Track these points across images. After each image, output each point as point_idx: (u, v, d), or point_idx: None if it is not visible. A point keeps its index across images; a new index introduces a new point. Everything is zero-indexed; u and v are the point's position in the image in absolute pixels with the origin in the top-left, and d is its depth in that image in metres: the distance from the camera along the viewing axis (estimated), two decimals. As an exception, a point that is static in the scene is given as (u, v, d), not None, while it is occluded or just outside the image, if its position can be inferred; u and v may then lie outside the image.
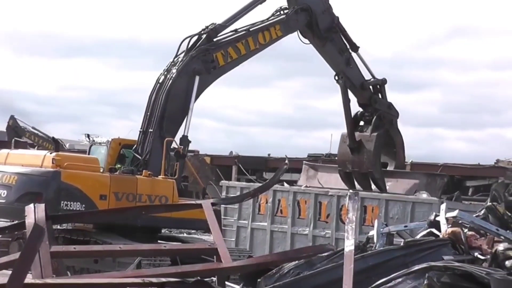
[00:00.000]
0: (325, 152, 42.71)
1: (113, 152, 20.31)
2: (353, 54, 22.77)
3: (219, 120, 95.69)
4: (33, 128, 27.00)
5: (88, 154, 20.91)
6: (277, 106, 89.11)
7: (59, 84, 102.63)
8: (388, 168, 23.12)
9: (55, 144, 20.03)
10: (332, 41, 22.23)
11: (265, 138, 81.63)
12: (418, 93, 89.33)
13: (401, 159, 23.47)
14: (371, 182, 22.44)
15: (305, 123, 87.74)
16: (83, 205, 17.96)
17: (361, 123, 22.93)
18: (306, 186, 22.20)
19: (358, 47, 22.78)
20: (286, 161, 23.30)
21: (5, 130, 56.15)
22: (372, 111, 22.65)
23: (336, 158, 23.68)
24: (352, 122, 22.59)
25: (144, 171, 19.23)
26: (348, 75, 22.35)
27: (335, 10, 22.48)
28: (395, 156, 23.26)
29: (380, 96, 23.00)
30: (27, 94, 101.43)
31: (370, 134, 22.34)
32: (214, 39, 20.74)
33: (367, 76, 23.02)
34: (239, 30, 21.14)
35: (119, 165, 19.98)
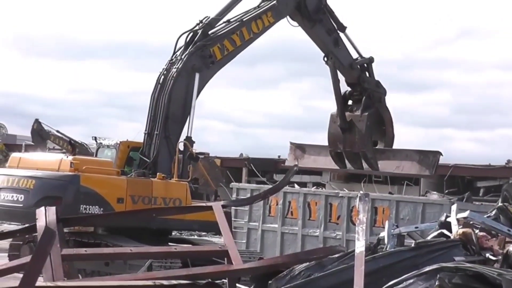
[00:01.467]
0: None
1: (122, 155, 20.35)
2: (341, 35, 22.82)
3: (228, 122, 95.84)
4: (57, 131, 27.10)
5: (95, 156, 20.97)
6: (286, 108, 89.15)
7: (68, 86, 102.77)
8: (378, 146, 23.14)
9: (72, 148, 20.12)
10: (321, 22, 22.33)
11: (274, 139, 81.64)
12: (427, 94, 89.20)
13: (391, 135, 23.42)
14: (363, 162, 22.48)
15: (314, 124, 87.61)
16: (101, 209, 18.03)
17: (350, 102, 23.08)
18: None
19: (345, 27, 22.88)
20: (296, 163, 23.27)
21: (9, 133, 56.38)
22: (361, 90, 22.84)
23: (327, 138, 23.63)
24: (343, 102, 22.76)
25: (158, 174, 19.26)
26: (337, 55, 22.51)
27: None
28: (384, 133, 23.29)
29: (367, 74, 23.13)
30: (36, 97, 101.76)
31: (361, 114, 22.51)
32: (210, 33, 20.73)
33: (355, 56, 23.13)
34: (232, 20, 21.16)
35: (128, 168, 20.01)
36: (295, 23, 22.12)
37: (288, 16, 22.00)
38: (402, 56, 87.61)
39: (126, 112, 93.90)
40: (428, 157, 22.36)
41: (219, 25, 20.96)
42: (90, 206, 17.90)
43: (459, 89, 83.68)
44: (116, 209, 18.16)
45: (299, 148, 23.92)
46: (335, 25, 22.61)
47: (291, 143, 24.37)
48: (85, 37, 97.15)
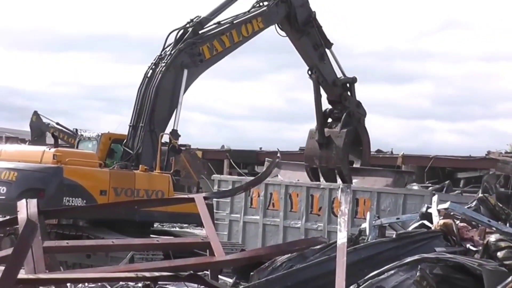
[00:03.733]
0: (317, 145, 42.75)
1: (104, 147, 20.33)
2: (327, 52, 23.09)
3: (210, 114, 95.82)
4: (57, 123, 26.83)
5: (76, 148, 20.91)
6: (268, 99, 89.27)
7: (50, 79, 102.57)
8: (354, 166, 23.29)
9: (54, 140, 19.96)
10: (308, 35, 22.57)
11: (256, 131, 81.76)
12: (409, 86, 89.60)
13: (367, 157, 23.73)
14: (338, 178, 22.59)
15: (296, 116, 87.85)
16: (84, 201, 17.94)
17: (329, 120, 23.24)
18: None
19: (332, 44, 23.14)
20: (278, 155, 23.36)
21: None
22: (342, 109, 23.00)
23: (304, 153, 23.84)
24: (323, 118, 22.91)
25: (140, 166, 19.27)
26: (322, 71, 22.76)
27: (315, 5, 22.90)
28: (361, 154, 23.48)
29: (350, 94, 23.31)
30: (17, 90, 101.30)
31: (339, 130, 22.63)
32: (200, 32, 20.97)
33: (339, 74, 23.35)
34: (223, 22, 21.42)
35: (109, 160, 19.98)
36: (283, 33, 22.40)
37: (277, 25, 22.27)
38: (384, 47, 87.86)
39: (108, 105, 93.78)
40: (403, 177, 22.68)
41: (209, 25, 21.21)
42: (73, 198, 17.82)
43: (441, 80, 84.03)
44: (99, 201, 18.10)
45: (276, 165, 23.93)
46: (322, 41, 22.82)
47: (266, 160, 24.90)
48: (66, 30, 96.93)
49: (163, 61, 20.39)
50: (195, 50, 20.61)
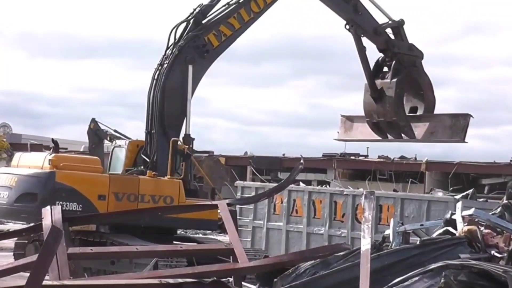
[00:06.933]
0: (340, 152, 42.73)
1: (131, 155, 20.13)
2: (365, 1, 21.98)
3: (233, 120, 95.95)
4: (115, 131, 26.70)
5: (111, 157, 20.85)
6: (291, 106, 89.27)
7: (72, 85, 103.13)
8: (418, 112, 22.30)
9: (55, 145, 20.05)
10: None
11: (279, 137, 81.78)
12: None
13: (430, 100, 22.31)
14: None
15: (319, 122, 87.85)
16: (80, 206, 17.93)
17: (385, 69, 22.20)
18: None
19: None
20: (302, 161, 23.27)
21: (13, 132, 56.41)
22: (392, 56, 21.95)
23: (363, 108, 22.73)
24: (370, 70, 22.03)
25: (148, 171, 19.06)
26: (358, 22, 21.67)
27: None
28: (423, 98, 22.34)
29: (401, 38, 22.12)
30: (40, 96, 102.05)
31: (390, 80, 21.74)
32: (203, 22, 20.00)
33: (383, 20, 22.22)
34: (232, 3, 20.20)
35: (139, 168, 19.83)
36: None
37: None
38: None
39: (132, 111, 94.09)
40: (459, 121, 21.57)
41: (215, 11, 20.13)
42: (68, 203, 17.77)
43: (465, 85, 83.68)
44: (97, 206, 18.09)
45: (349, 119, 23.29)
46: None
47: (341, 115, 23.59)
48: (89, 36, 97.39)
49: (166, 61, 19.68)
50: (198, 42, 19.69)
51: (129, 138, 20.86)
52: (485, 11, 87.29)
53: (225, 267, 8.16)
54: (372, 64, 22.32)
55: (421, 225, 11.85)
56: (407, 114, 22.16)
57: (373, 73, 22.11)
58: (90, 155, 22.77)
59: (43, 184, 18.08)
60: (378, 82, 21.97)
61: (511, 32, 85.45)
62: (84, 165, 18.74)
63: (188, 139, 19.56)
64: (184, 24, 19.98)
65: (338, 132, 23.67)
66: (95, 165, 18.94)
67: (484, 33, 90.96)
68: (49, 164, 18.26)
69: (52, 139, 21.04)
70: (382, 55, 22.26)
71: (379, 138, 22.29)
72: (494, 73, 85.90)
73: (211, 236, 25.73)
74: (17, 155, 20.20)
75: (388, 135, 22.23)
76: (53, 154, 18.79)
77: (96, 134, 22.40)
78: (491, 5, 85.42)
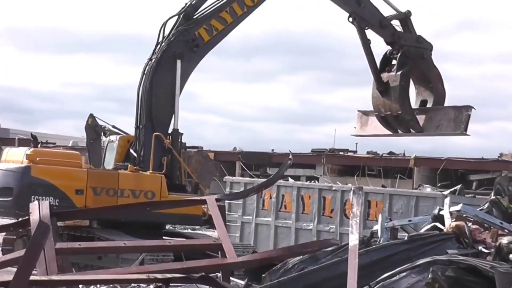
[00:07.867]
0: (329, 147, 42.75)
1: (121, 150, 20.08)
2: None
3: (224, 116, 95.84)
4: (113, 126, 26.64)
5: (105, 152, 20.79)
6: (282, 101, 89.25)
7: (62, 80, 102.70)
8: (428, 105, 21.98)
9: (34, 140, 19.99)
10: None
11: (269, 133, 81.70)
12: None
13: (440, 92, 21.90)
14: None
15: (309, 118, 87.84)
16: (57, 200, 17.83)
17: (394, 62, 21.80)
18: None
19: None
20: (290, 157, 23.26)
21: (1, 127, 56.26)
22: (400, 48, 21.58)
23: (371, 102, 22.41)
24: (375, 64, 21.79)
25: (129, 166, 18.98)
26: (362, 15, 21.27)
27: None
28: (432, 91, 21.97)
29: (408, 30, 21.78)
30: (30, 91, 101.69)
31: (395, 73, 21.44)
32: (194, 16, 19.72)
33: (389, 12, 21.87)
34: None
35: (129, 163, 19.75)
36: None
37: None
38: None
39: (123, 106, 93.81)
40: (461, 113, 21.28)
41: (207, 5, 19.84)
42: (44, 197, 17.62)
43: (457, 82, 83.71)
44: (75, 200, 18.01)
45: (365, 114, 22.93)
46: None
47: (358, 110, 23.21)
48: (80, 30, 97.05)
49: (154, 56, 19.47)
50: (188, 36, 19.44)
51: (127, 134, 20.78)
52: (477, 8, 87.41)
53: (213, 262, 8.18)
54: (380, 57, 22.04)
55: (409, 220, 11.88)
56: (417, 107, 21.92)
57: (381, 66, 21.87)
58: (88, 150, 22.78)
59: (19, 178, 18.03)
60: (385, 75, 21.71)
61: (503, 29, 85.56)
62: (62, 160, 18.67)
63: (177, 134, 19.44)
64: (175, 19, 19.77)
65: (354, 127, 23.39)
66: (74, 160, 18.85)
67: (476, 29, 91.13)
68: (26, 158, 18.22)
69: (31, 134, 20.98)
70: (390, 48, 21.91)
71: (390, 133, 22.07)
72: (486, 69, 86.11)
73: (200, 232, 25.72)
74: (5, 151, 20.18)
75: (398, 130, 22.05)
76: (32, 149, 18.75)
77: (94, 129, 22.39)
78: (483, 2, 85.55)
